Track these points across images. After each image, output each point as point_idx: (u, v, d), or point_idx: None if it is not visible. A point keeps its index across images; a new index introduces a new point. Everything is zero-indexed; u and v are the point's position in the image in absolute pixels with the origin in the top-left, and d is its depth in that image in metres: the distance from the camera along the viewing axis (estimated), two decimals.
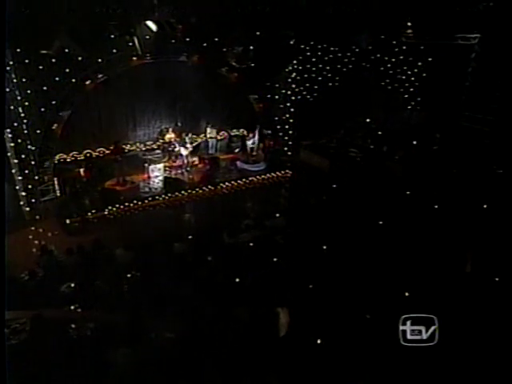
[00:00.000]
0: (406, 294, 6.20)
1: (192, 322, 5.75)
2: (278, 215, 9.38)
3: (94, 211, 10.00)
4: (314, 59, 13.61)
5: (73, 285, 6.76)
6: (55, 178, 10.71)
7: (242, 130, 13.81)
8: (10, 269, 6.80)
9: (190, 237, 8.31)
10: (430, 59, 12.91)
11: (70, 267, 7.44)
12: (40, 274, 7.17)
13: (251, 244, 8.12)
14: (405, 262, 6.75)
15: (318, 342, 5.41)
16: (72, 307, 6.14)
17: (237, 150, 13.65)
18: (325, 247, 7.81)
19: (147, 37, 10.32)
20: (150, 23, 8.52)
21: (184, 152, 11.86)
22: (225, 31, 10.67)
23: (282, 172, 12.65)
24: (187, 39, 11.13)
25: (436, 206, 9.09)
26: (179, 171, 12.08)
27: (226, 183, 11.72)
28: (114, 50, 10.36)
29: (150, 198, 10.69)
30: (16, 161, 9.50)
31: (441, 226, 8.05)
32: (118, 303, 6.18)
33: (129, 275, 7.05)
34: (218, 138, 13.52)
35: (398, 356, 4.59)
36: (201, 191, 11.33)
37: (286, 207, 10.54)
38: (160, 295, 6.49)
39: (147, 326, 5.19)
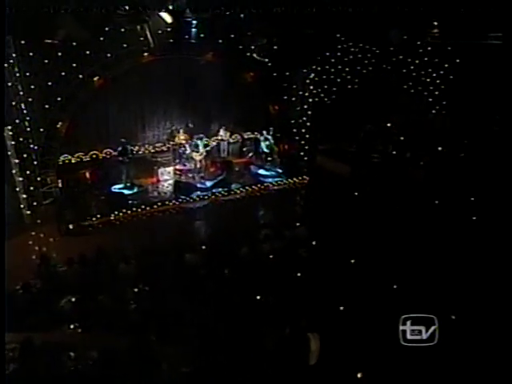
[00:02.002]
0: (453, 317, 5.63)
1: (209, 349, 5.00)
2: (298, 224, 8.65)
3: (99, 216, 9.28)
4: (332, 60, 12.92)
5: (74, 299, 6.04)
6: (59, 180, 10.03)
7: (255, 133, 13.07)
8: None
9: (203, 247, 7.58)
10: (457, 60, 12.13)
11: (70, 279, 6.72)
12: (37, 286, 6.46)
13: (271, 256, 7.40)
14: (432, 271, 6.52)
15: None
16: (72, 326, 5.40)
17: (250, 154, 12.93)
18: (353, 261, 7.13)
19: (159, 31, 9.72)
20: (164, 14, 7.86)
21: (197, 157, 11.14)
22: (243, 27, 9.98)
23: (299, 178, 11.89)
24: (201, 35, 10.51)
25: (463, 216, 8.62)
26: (190, 175, 11.36)
27: (240, 189, 10.97)
28: (125, 45, 9.71)
29: (159, 203, 9.95)
30: (17, 161, 8.83)
31: (470, 235, 7.70)
32: (124, 324, 5.42)
33: (136, 289, 6.32)
34: (231, 140, 12.81)
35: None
36: (213, 196, 10.59)
37: (306, 216, 9.74)
38: (170, 315, 5.76)
39: (157, 355, 4.42)
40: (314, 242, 7.77)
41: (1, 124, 7.59)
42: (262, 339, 5.34)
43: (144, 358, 4.22)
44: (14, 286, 6.35)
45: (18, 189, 8.96)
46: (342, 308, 5.84)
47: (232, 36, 10.71)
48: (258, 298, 6.12)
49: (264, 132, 12.02)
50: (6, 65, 8.45)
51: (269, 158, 12.05)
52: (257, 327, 5.54)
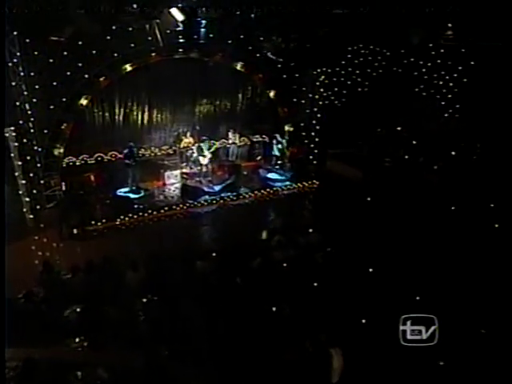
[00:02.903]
0: (482, 331, 5.32)
1: (224, 364, 4.66)
2: (311, 231, 8.32)
3: (104, 221, 8.96)
4: (343, 62, 12.63)
5: (79, 309, 5.70)
6: (62, 183, 9.71)
7: (264, 136, 12.78)
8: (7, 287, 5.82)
9: (213, 254, 7.24)
10: (472, 63, 11.82)
11: (75, 287, 6.38)
12: (40, 295, 6.12)
13: (285, 264, 7.06)
14: (452, 278, 6.30)
15: None
16: (77, 339, 5.06)
17: (259, 158, 12.63)
18: (371, 270, 6.79)
19: (168, 31, 9.43)
20: (175, 11, 7.53)
21: (204, 161, 10.84)
22: (255, 26, 9.68)
23: (309, 182, 11.57)
24: (210, 35, 10.23)
25: (482, 221, 8.19)
26: (197, 179, 11.05)
27: (249, 193, 10.65)
28: (132, 45, 9.43)
29: (166, 208, 9.62)
30: (20, 163, 8.51)
31: (488, 242, 7.38)
32: (134, 337, 5.08)
33: (144, 300, 5.97)
34: (239, 143, 12.51)
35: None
36: (221, 201, 10.26)
37: (319, 221, 9.39)
38: (181, 327, 5.42)
39: (170, 372, 4.08)
40: (328, 249, 7.48)
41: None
42: (279, 355, 5.00)
43: (157, 377, 3.88)
44: (16, 295, 6.03)
45: (20, 192, 8.63)
46: (364, 321, 5.50)
47: (242, 36, 10.43)
48: (274, 309, 5.80)
49: (277, 135, 11.72)
50: (10, 64, 8.20)
51: (279, 162, 11.75)
52: (273, 342, 5.20)
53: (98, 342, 5.01)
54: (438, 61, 12.51)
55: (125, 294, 6.13)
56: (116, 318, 5.59)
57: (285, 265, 7.02)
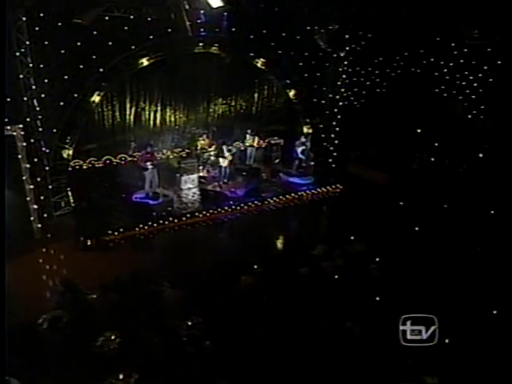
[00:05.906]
0: None
1: None
2: (352, 238, 7.62)
3: (121, 230, 8.03)
4: (364, 61, 12.08)
5: (114, 337, 4.82)
6: (68, 189, 8.75)
7: (282, 138, 12.05)
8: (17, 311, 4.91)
9: (255, 267, 6.43)
10: (498, 62, 11.42)
11: (104, 309, 5.49)
12: (64, 320, 5.20)
13: (336, 276, 6.34)
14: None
15: None
16: (121, 376, 4.18)
17: (277, 161, 11.88)
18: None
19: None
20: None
21: (224, 163, 10.03)
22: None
23: (333, 186, 10.88)
24: (233, 29, 9.52)
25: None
26: (216, 183, 10.21)
27: (274, 198, 9.87)
28: (151, 37, 8.61)
29: (188, 215, 8.75)
30: (27, 165, 7.51)
31: None
32: (180, 368, 4.24)
33: (189, 323, 5.13)
34: (256, 146, 11.74)
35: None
36: (246, 207, 9.44)
37: (357, 229, 8.67)
38: (233, 353, 4.62)
39: None
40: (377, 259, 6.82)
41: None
42: None
43: None
44: (36, 320, 5.10)
45: (28, 198, 7.62)
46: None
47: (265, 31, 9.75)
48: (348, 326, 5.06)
49: (302, 137, 11.01)
50: (17, 53, 7.27)
51: (303, 165, 11.03)
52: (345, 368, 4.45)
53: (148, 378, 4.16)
54: (461, 60, 12.11)
55: (165, 316, 5.29)
56: (161, 345, 4.74)
57: (336, 276, 6.35)
